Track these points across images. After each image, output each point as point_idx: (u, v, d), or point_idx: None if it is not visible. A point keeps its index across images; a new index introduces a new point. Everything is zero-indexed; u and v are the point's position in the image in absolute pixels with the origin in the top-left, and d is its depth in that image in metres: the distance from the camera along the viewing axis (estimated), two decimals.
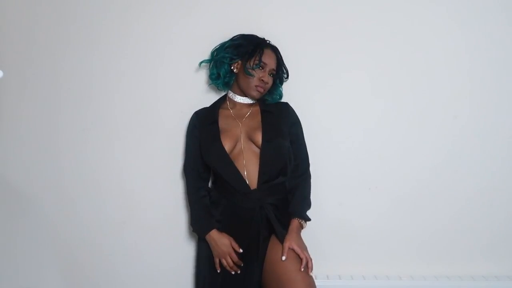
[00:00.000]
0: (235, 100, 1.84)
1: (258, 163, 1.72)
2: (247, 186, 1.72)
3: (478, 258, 1.98)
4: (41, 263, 2.10)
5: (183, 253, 2.03)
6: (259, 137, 1.74)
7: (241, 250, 1.71)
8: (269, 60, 1.78)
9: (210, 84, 1.93)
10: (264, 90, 1.78)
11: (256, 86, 1.76)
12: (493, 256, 1.98)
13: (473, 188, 1.96)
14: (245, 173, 1.73)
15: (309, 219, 1.77)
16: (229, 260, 1.71)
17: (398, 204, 1.98)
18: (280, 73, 1.83)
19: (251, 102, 1.84)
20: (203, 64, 1.89)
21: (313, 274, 1.64)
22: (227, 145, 1.73)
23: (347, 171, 1.98)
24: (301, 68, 1.95)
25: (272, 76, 1.80)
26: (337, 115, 1.97)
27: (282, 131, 1.77)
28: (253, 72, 1.75)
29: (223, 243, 1.72)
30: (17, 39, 2.03)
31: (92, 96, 2.02)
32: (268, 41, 1.83)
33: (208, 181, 1.90)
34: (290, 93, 1.91)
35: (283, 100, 1.90)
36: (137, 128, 2.01)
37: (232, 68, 1.80)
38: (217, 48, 1.84)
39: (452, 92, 1.94)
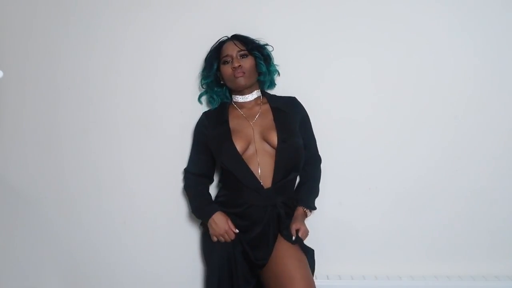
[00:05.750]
0: (239, 101, 1.84)
1: (272, 162, 1.72)
2: (261, 185, 1.71)
3: (478, 258, 1.98)
4: (41, 263, 2.10)
5: (183, 253, 2.03)
6: (274, 138, 1.73)
7: (237, 231, 1.73)
8: (229, 49, 1.79)
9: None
10: (244, 73, 1.76)
11: (234, 76, 1.77)
12: (493, 256, 1.98)
13: (473, 188, 1.96)
14: (259, 173, 1.72)
15: (314, 208, 1.82)
16: (227, 238, 1.73)
17: (398, 204, 1.98)
18: (253, 50, 1.81)
19: (254, 98, 1.83)
20: (202, 97, 1.93)
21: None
22: (239, 146, 1.72)
23: (347, 171, 1.98)
24: (300, 68, 1.95)
25: (246, 57, 1.79)
26: (337, 115, 1.97)
27: (295, 129, 1.78)
28: (224, 70, 1.79)
29: (220, 221, 1.73)
30: (17, 39, 2.03)
31: (92, 96, 2.02)
32: (226, 37, 1.85)
33: (209, 184, 1.90)
34: (289, 93, 1.91)
35: (282, 94, 1.90)
36: (137, 128, 2.01)
37: (221, 82, 1.85)
38: (200, 78, 1.90)
39: (452, 92, 1.94)
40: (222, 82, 1.86)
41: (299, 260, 1.65)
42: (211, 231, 1.75)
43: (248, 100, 1.83)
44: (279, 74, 1.91)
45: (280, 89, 1.93)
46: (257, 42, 1.84)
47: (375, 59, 1.94)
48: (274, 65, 1.88)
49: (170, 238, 2.04)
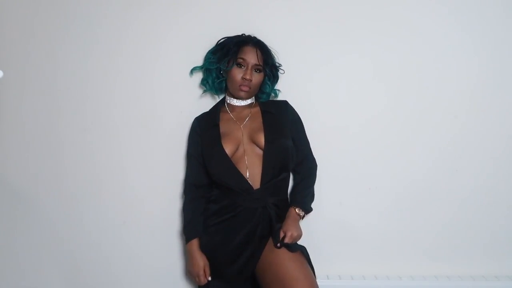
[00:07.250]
0: (232, 103, 1.84)
1: (260, 164, 1.72)
2: (250, 187, 1.71)
3: (478, 258, 1.98)
4: (41, 263, 2.10)
5: (183, 254, 2.03)
6: (261, 139, 1.73)
7: (209, 279, 1.72)
8: (248, 56, 1.75)
9: (204, 91, 1.93)
10: (249, 88, 1.76)
11: (239, 85, 1.75)
12: (493, 256, 1.98)
13: (473, 188, 1.96)
14: (248, 174, 1.72)
15: (309, 209, 1.78)
16: (197, 282, 1.74)
17: (398, 204, 1.98)
18: (267, 68, 1.79)
19: (248, 103, 1.83)
20: (195, 71, 1.91)
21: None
22: (228, 149, 1.73)
23: (347, 171, 1.98)
24: (301, 69, 1.95)
25: (258, 72, 1.77)
26: (337, 115, 1.97)
27: (283, 131, 1.77)
28: (233, 71, 1.75)
29: (197, 264, 1.72)
30: (17, 39, 2.03)
31: (91, 96, 2.02)
32: (251, 37, 1.81)
33: (207, 194, 1.83)
34: (290, 93, 1.91)
35: (283, 98, 1.90)
36: (137, 128, 2.01)
37: (221, 72, 1.82)
38: (205, 55, 1.87)
39: (452, 92, 1.94)
40: (223, 74, 1.83)
41: (300, 261, 1.64)
42: (187, 267, 1.76)
43: (241, 105, 1.83)
44: (276, 97, 1.91)
45: (281, 89, 1.93)
46: (273, 59, 1.82)
47: (376, 59, 1.94)
48: (275, 89, 1.88)
49: (170, 238, 2.03)
